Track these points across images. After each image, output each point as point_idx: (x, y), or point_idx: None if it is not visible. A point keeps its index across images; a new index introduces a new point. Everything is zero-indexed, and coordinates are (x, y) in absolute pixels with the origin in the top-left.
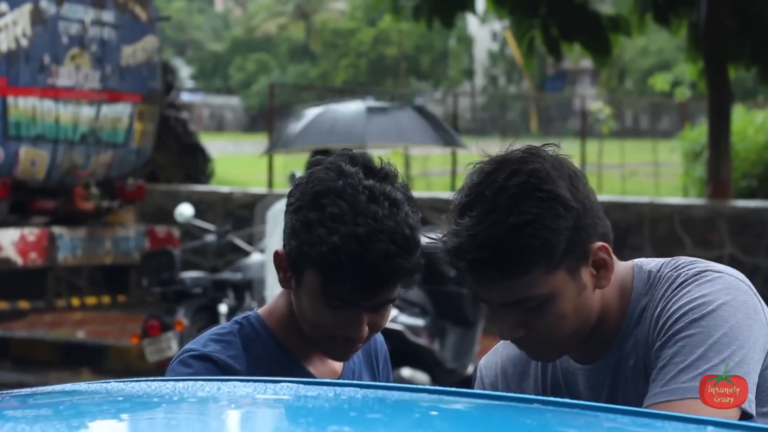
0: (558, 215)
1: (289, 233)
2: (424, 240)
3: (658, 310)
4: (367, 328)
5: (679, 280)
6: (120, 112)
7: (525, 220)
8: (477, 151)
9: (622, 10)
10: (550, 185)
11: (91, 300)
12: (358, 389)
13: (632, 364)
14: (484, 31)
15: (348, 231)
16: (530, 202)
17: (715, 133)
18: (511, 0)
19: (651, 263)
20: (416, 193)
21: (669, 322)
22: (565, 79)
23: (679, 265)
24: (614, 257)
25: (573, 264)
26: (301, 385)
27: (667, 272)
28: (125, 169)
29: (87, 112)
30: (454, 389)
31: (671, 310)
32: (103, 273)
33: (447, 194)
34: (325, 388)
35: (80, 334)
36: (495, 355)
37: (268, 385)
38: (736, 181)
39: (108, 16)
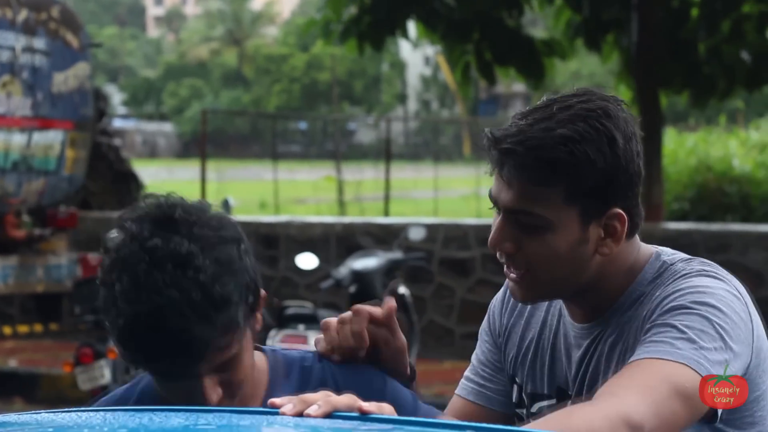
0: (602, 151)
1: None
2: (358, 265)
3: (656, 294)
4: (217, 391)
5: (685, 272)
6: (51, 139)
7: (572, 136)
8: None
9: (554, 34)
10: (612, 124)
11: (23, 328)
12: (291, 418)
13: (611, 342)
14: (416, 56)
15: (132, 312)
16: (585, 125)
17: (646, 157)
18: (442, 25)
19: (670, 254)
20: (349, 219)
21: (666, 301)
22: (497, 103)
23: (692, 261)
24: (633, 237)
25: (588, 212)
26: (235, 415)
27: (679, 266)
28: (57, 196)
29: (18, 139)
30: (386, 417)
31: (670, 291)
32: (35, 301)
33: (380, 219)
34: (258, 417)
35: (12, 363)
36: (505, 288)
37: (200, 414)
38: (668, 203)
39: (39, 42)
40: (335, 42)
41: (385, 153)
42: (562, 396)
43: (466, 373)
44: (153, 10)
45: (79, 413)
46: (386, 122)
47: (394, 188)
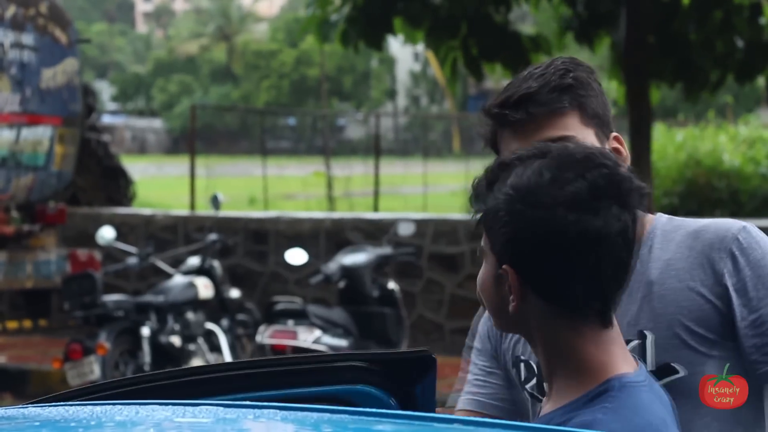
0: (593, 80)
1: None
2: (347, 260)
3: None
4: None
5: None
6: (40, 135)
7: (568, 68)
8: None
9: (543, 29)
10: (586, 65)
11: (12, 324)
12: (278, 411)
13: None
14: (405, 52)
15: None
16: (567, 63)
17: (636, 152)
18: (427, 23)
19: (670, 216)
20: (339, 214)
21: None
22: (487, 98)
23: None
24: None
25: (599, 132)
26: (221, 408)
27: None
28: (46, 192)
29: (6, 135)
30: (373, 410)
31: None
32: (24, 297)
33: (370, 215)
34: (244, 411)
35: (1, 359)
36: None
37: (187, 408)
38: (657, 198)
39: (27, 38)
40: (330, 41)
41: (374, 148)
42: None
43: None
44: (142, 6)
45: (66, 407)
46: (375, 118)
47: (383, 184)
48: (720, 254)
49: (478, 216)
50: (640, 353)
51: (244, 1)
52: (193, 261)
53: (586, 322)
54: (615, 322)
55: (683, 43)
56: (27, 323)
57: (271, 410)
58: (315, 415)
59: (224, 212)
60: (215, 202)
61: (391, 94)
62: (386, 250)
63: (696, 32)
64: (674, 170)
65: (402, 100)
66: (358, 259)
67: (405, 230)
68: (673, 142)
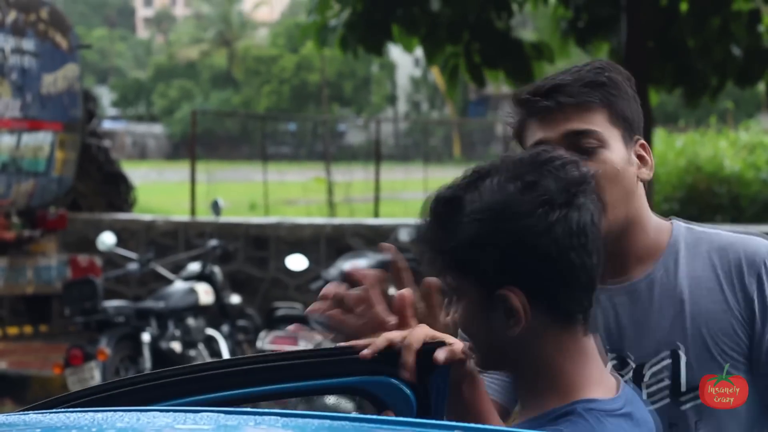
0: (626, 83)
1: None
2: (348, 266)
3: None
4: None
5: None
6: (41, 140)
7: (604, 67)
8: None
9: (543, 35)
10: (622, 70)
11: (12, 330)
12: (279, 417)
13: (666, 296)
14: (406, 58)
15: None
16: (617, 71)
17: None
18: (424, 29)
19: (686, 222)
20: (339, 220)
21: None
22: (487, 104)
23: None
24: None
25: (625, 135)
26: (222, 415)
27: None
28: (47, 197)
29: (7, 141)
30: (374, 417)
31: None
32: (25, 303)
33: (370, 220)
34: (245, 417)
35: (2, 365)
36: None
37: (188, 415)
38: (657, 204)
39: (28, 44)
40: (330, 46)
41: (374, 154)
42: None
43: None
44: (142, 12)
45: (67, 414)
46: (376, 123)
47: (383, 189)
48: (750, 278)
49: (441, 254)
50: (673, 371)
51: (245, 7)
52: (194, 267)
53: (573, 332)
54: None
55: (682, 48)
56: (27, 329)
57: (272, 417)
58: (316, 421)
59: (225, 218)
60: (216, 207)
61: (392, 99)
62: (387, 255)
63: (694, 38)
64: (675, 176)
65: (402, 106)
66: (358, 265)
67: (406, 236)
68: (674, 148)
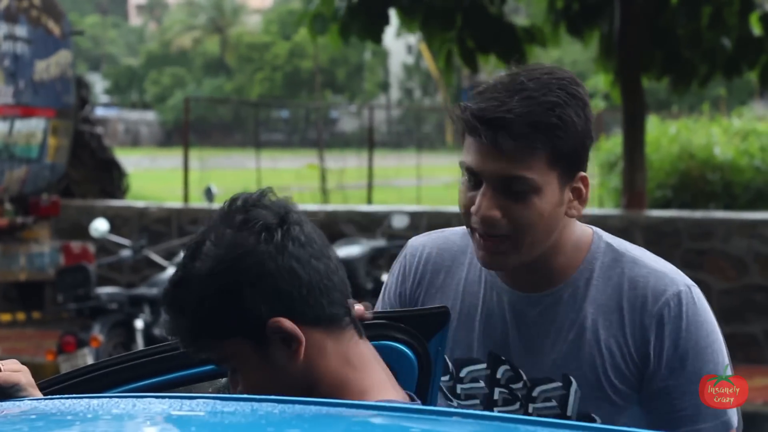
0: (579, 115)
1: None
2: (341, 253)
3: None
4: None
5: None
6: (34, 127)
7: (558, 101)
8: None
9: (536, 21)
10: (582, 90)
11: (5, 317)
12: (276, 404)
13: (569, 315)
14: (399, 44)
15: None
16: (563, 91)
17: (629, 144)
18: (423, 13)
19: (609, 237)
20: (332, 206)
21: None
22: None
23: (642, 252)
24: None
25: (564, 175)
26: (218, 401)
27: (632, 253)
28: (39, 184)
29: (0, 127)
30: (372, 403)
31: (682, 335)
32: (18, 289)
33: (363, 207)
34: (242, 403)
35: None
36: (427, 238)
37: (183, 401)
38: (651, 191)
39: (21, 30)
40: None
41: (368, 141)
42: (493, 361)
43: None
44: None
45: (62, 401)
46: (369, 110)
47: (377, 176)
48: (649, 319)
49: (200, 334)
50: (561, 397)
51: None
52: None
53: (349, 337)
54: None
55: (672, 36)
56: (20, 316)
57: (269, 403)
58: (313, 408)
59: (218, 204)
60: (209, 194)
61: (385, 86)
62: (380, 242)
63: (686, 26)
64: (668, 163)
65: (395, 93)
66: (352, 252)
67: (399, 222)
68: (667, 135)
